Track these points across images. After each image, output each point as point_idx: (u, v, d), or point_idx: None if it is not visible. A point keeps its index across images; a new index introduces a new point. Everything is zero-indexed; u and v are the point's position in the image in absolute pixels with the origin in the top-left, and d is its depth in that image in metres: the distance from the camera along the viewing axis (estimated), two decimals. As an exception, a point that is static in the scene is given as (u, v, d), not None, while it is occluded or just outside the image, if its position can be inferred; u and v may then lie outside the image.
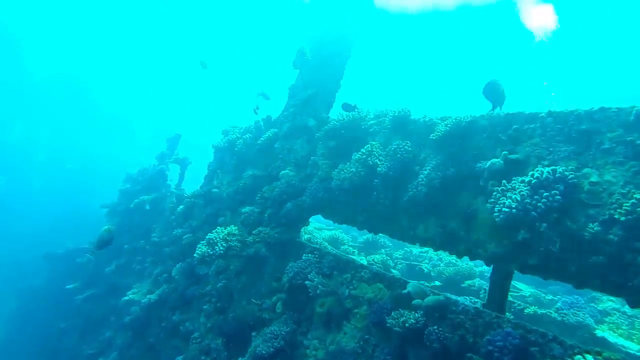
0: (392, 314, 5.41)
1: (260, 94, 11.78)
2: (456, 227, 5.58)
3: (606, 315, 8.98)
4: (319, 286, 6.32)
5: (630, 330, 8.63)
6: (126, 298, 10.13)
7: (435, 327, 4.92)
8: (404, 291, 5.58)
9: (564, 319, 7.47)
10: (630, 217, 3.88)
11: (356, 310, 6.22)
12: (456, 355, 4.72)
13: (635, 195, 3.97)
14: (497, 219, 4.71)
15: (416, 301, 5.32)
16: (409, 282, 5.71)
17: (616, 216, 4.02)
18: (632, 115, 4.46)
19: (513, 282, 11.02)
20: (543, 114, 5.13)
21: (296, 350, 6.65)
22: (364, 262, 9.96)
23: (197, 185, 11.34)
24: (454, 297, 5.46)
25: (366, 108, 7.81)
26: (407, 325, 5.08)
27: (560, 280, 4.49)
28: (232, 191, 9.38)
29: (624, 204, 4.00)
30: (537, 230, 4.45)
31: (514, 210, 4.50)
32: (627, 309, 10.31)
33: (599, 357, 3.62)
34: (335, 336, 6.28)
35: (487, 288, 9.00)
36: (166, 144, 14.36)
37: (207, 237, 7.88)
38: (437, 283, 10.08)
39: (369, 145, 7.01)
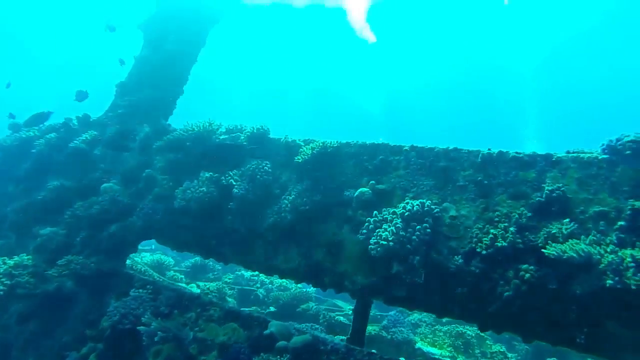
0: (253, 359, 4.68)
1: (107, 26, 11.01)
2: (321, 258, 5.27)
3: (417, 327, 10.15)
4: (158, 332, 5.07)
5: (434, 338, 9.97)
6: None
7: (305, 372, 4.44)
8: (265, 332, 4.92)
9: (393, 337, 8.05)
10: (490, 250, 4.24)
11: (203, 358, 5.21)
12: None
13: (491, 231, 4.38)
14: (373, 252, 4.58)
15: (281, 343, 4.74)
16: (271, 322, 5.09)
17: (477, 249, 4.34)
18: (479, 157, 5.00)
19: (334, 300, 11.59)
20: (407, 147, 5.34)
21: (117, 417, 5.18)
22: (196, 291, 8.83)
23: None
24: (321, 335, 5.09)
25: (217, 120, 6.94)
26: (273, 373, 4.44)
27: (425, 311, 4.63)
28: (22, 205, 7.01)
29: (484, 239, 4.36)
30: (409, 262, 4.49)
31: (391, 244, 4.45)
32: (426, 317, 11.95)
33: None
34: (174, 393, 5.12)
35: (325, 313, 9.12)
36: None
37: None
38: (272, 309, 9.69)
39: (222, 162, 6.19)
